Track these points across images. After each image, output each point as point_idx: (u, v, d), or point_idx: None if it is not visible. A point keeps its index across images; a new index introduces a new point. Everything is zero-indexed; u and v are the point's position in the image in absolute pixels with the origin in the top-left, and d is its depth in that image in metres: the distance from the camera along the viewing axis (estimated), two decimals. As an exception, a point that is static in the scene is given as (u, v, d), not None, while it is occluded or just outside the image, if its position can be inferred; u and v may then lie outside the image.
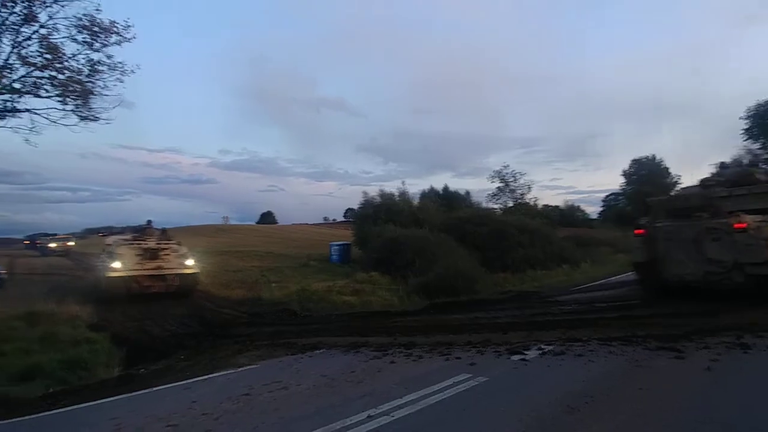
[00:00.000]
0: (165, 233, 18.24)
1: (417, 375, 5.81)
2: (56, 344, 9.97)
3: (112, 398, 5.97)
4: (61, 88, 11.65)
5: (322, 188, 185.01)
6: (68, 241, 39.58)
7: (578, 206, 65.17)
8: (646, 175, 64.68)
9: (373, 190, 41.50)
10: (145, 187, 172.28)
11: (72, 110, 11.97)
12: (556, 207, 59.43)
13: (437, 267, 17.64)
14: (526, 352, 6.43)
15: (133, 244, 16.09)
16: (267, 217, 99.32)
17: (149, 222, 18.57)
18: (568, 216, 57.88)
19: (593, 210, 68.39)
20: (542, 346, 6.66)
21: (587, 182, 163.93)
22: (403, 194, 31.98)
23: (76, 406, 5.71)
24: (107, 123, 12.48)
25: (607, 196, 63.81)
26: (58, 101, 11.78)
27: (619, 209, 59.95)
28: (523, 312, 10.29)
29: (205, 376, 6.77)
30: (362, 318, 11.80)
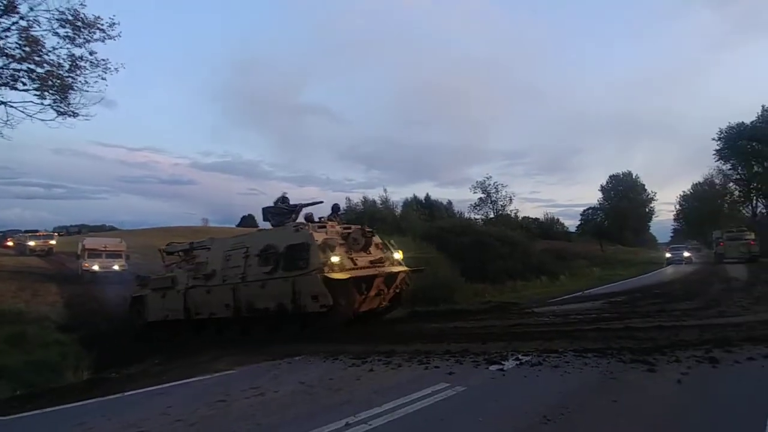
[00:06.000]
0: (337, 215, 12.11)
1: (395, 383, 5.80)
2: (23, 345, 9.70)
3: (81, 402, 5.79)
4: (39, 82, 11.43)
5: (304, 193, 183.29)
6: (50, 239, 33.73)
7: (557, 219, 66.61)
8: (623, 191, 66.63)
9: (356, 197, 41.61)
10: (123, 186, 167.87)
11: (50, 105, 11.77)
12: (536, 219, 60.64)
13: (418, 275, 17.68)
14: (503, 363, 6.45)
15: (322, 224, 10.50)
16: (248, 220, 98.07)
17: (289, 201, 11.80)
18: (547, 229, 59.02)
19: (571, 223, 69.57)
20: (520, 357, 6.70)
21: (566, 196, 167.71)
22: (386, 202, 32.23)
23: (43, 410, 5.53)
24: (86, 119, 12.30)
25: (585, 210, 65.06)
26: (36, 95, 11.57)
27: (597, 223, 61.22)
28: (503, 322, 10.38)
29: (181, 381, 6.63)
30: (342, 324, 11.73)
